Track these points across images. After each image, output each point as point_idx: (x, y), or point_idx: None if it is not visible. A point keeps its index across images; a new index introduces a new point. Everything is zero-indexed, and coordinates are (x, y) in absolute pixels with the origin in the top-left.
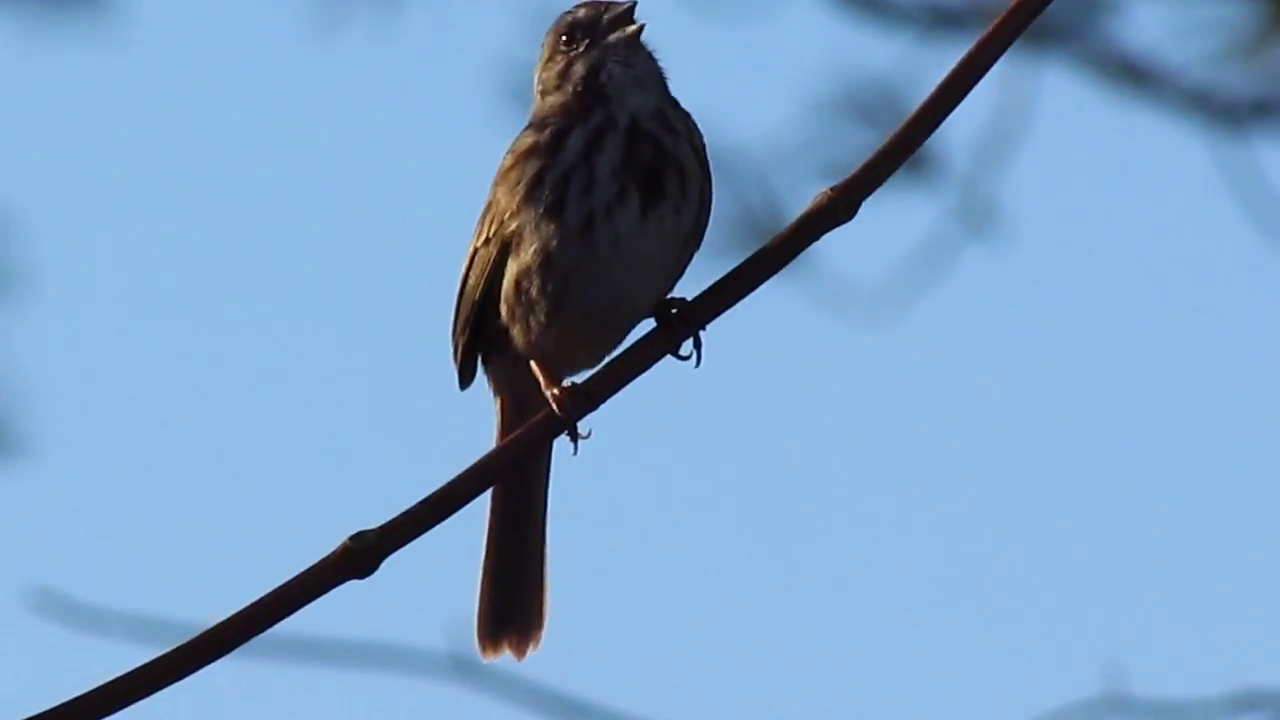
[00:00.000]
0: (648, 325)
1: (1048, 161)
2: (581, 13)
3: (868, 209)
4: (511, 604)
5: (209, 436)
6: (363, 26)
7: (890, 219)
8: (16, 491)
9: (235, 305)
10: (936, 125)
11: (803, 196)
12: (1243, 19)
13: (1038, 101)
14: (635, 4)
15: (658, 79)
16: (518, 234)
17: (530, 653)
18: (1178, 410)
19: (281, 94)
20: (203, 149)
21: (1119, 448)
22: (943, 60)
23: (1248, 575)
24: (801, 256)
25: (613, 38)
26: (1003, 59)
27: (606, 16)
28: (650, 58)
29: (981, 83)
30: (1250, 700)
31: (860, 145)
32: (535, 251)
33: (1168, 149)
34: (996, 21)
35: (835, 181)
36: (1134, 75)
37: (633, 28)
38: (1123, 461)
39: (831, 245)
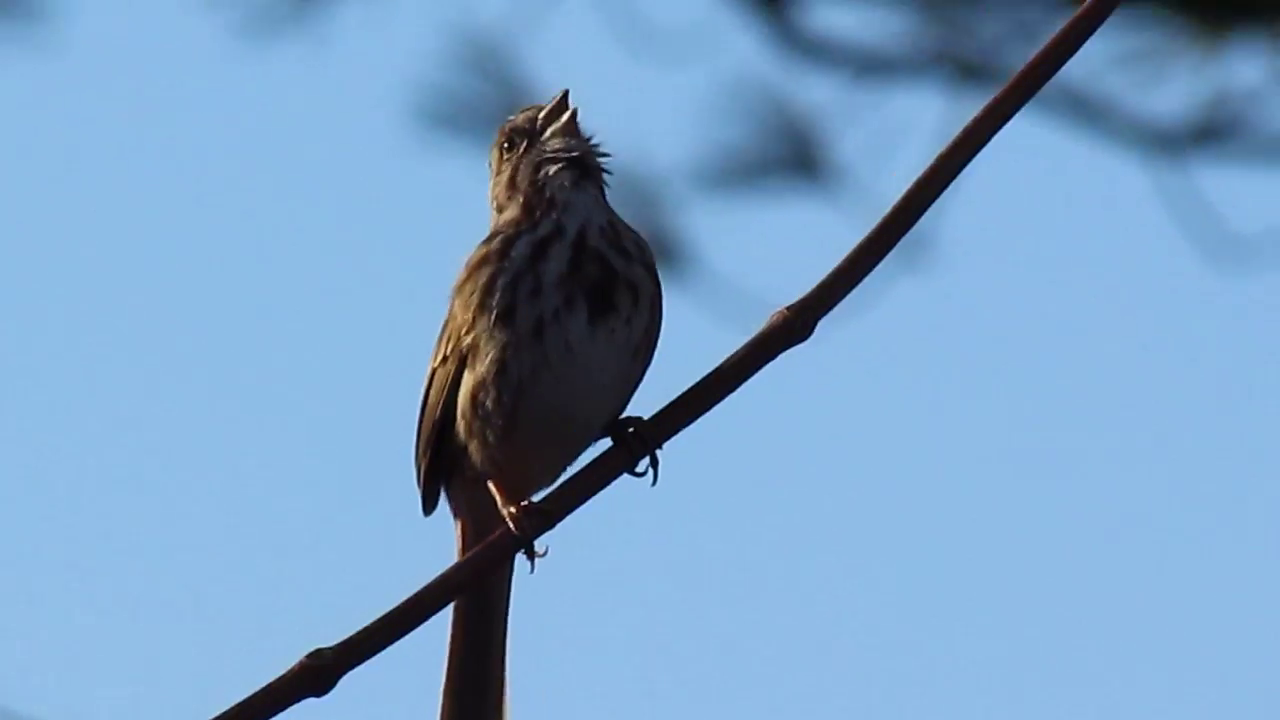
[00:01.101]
0: (605, 444)
1: (985, 189)
2: (519, 118)
3: (796, 239)
4: None
5: (167, 548)
6: (291, 44)
7: (822, 246)
8: None
9: (192, 399)
10: (895, 243)
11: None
12: (1180, 44)
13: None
14: (566, 93)
15: (595, 165)
16: (473, 346)
17: None
18: (1124, 440)
19: (204, 115)
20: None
21: (1058, 481)
22: (875, 103)
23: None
24: None
25: (548, 132)
26: (942, 96)
27: (540, 115)
28: (587, 142)
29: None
30: None
31: (759, 161)
32: (490, 361)
33: (1108, 176)
34: (945, 149)
35: (741, 226)
36: (1075, 103)
37: (565, 116)
38: (1062, 496)
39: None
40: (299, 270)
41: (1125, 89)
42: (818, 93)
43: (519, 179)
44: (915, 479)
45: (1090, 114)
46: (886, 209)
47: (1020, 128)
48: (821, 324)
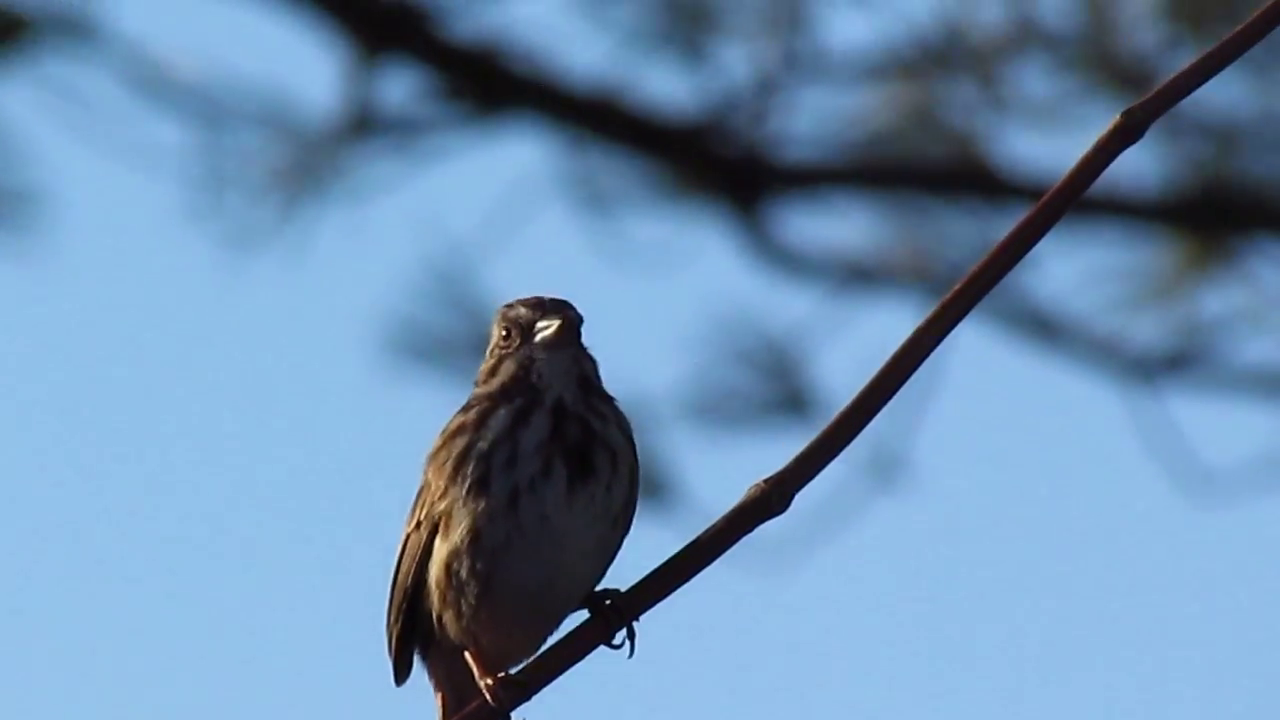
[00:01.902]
0: (581, 616)
1: (958, 412)
2: (522, 311)
3: (768, 455)
4: None
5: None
6: (271, 260)
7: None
8: None
9: (164, 584)
10: (868, 421)
11: (690, 450)
12: (1154, 267)
13: (948, 350)
14: (568, 307)
15: (581, 369)
16: (446, 514)
17: None
18: (1095, 665)
19: (186, 327)
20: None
21: (1032, 701)
22: (852, 318)
23: None
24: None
25: (539, 337)
26: (915, 309)
27: (539, 317)
28: (576, 353)
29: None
30: None
31: (750, 400)
32: (464, 530)
33: (1080, 400)
34: (929, 317)
35: (730, 459)
36: (1044, 326)
37: (556, 324)
38: (1042, 704)
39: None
40: (274, 477)
41: (1100, 313)
42: (795, 307)
43: (501, 370)
44: (884, 675)
45: (1064, 337)
46: (860, 388)
47: (995, 349)
48: (797, 500)
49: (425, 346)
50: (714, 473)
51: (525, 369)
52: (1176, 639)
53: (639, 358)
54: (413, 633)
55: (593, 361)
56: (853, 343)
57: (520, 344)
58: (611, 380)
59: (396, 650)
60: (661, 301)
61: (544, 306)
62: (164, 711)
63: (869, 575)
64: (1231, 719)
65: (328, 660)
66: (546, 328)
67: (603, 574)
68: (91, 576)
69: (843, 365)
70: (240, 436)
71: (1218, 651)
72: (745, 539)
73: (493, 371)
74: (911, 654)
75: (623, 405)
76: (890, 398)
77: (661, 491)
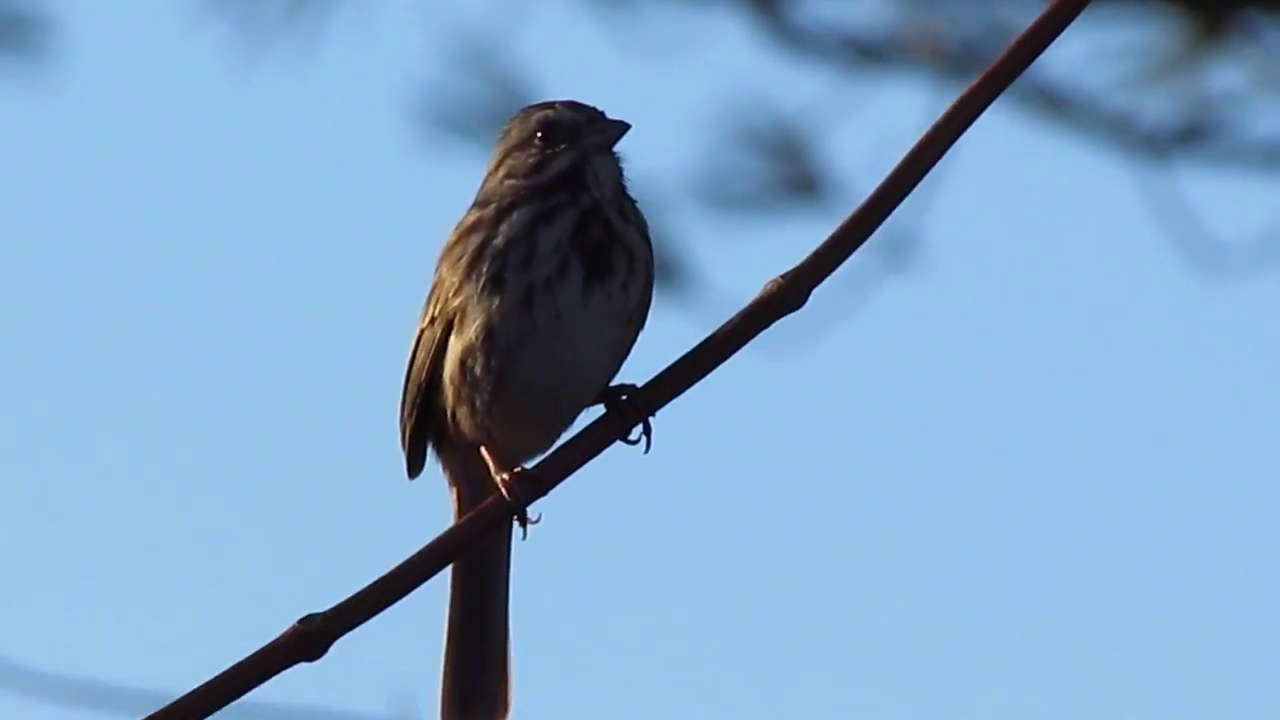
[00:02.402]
0: (598, 411)
1: (970, 191)
2: (565, 115)
3: (780, 242)
4: (475, 691)
5: (163, 508)
6: (283, 55)
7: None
8: None
9: (186, 371)
10: (887, 215)
11: (702, 233)
12: (1163, 43)
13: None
14: (625, 124)
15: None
16: (461, 310)
17: None
18: (1102, 447)
19: (202, 129)
20: (129, 194)
21: (1040, 484)
22: (864, 100)
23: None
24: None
25: (591, 140)
26: (926, 90)
27: (586, 120)
28: (618, 160)
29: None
30: None
31: (759, 182)
32: (478, 327)
33: (1091, 177)
34: (949, 110)
35: (740, 243)
36: (1055, 103)
37: (617, 130)
38: (1044, 501)
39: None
40: (298, 263)
41: (1110, 89)
42: (808, 89)
43: (551, 168)
44: (900, 462)
45: (1074, 114)
46: (879, 182)
47: (1005, 128)
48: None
49: (455, 116)
50: (729, 259)
51: (579, 168)
52: (1185, 416)
53: (653, 142)
54: (426, 427)
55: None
56: (866, 124)
57: (568, 145)
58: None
59: (410, 444)
60: (674, 85)
61: (586, 110)
62: (184, 503)
63: (884, 360)
64: (1242, 493)
65: (343, 452)
66: (602, 131)
67: (617, 370)
68: (119, 371)
69: (856, 147)
70: (272, 224)
71: (1224, 426)
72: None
73: (537, 168)
74: (926, 439)
75: (641, 200)
76: (907, 193)
77: (676, 278)
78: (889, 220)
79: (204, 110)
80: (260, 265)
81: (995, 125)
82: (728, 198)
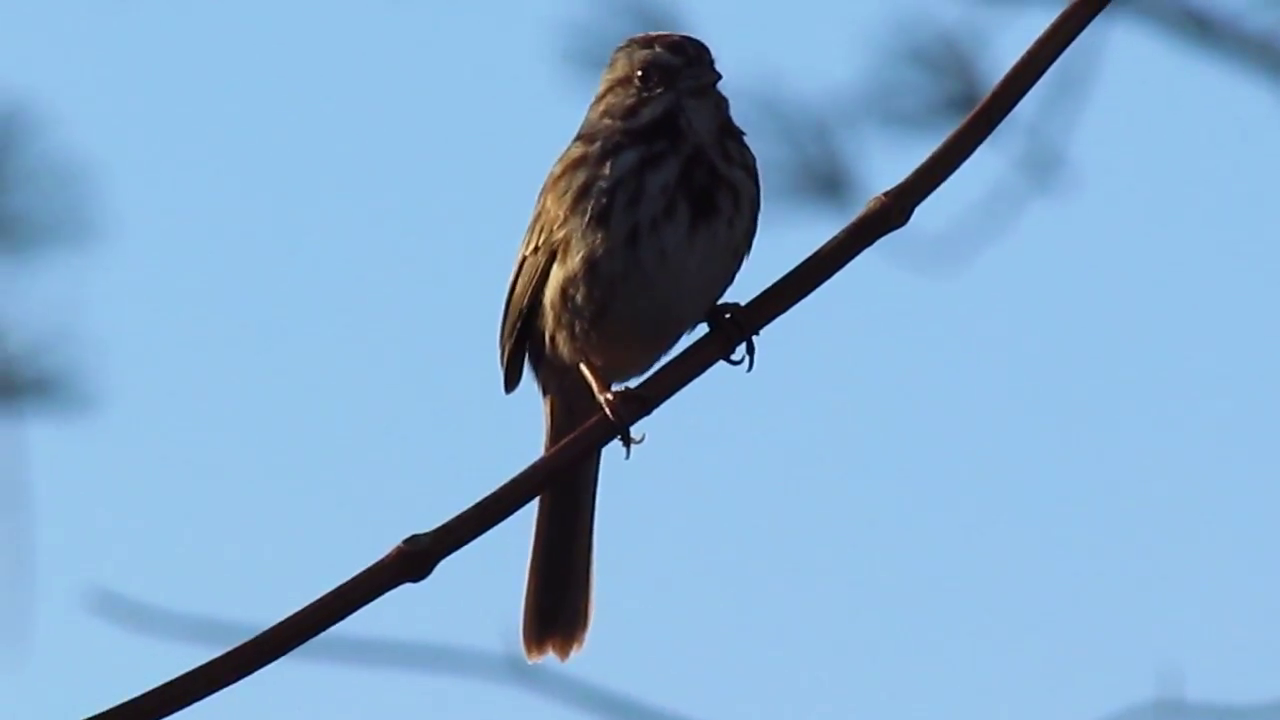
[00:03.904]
0: (701, 330)
1: (1113, 113)
2: (664, 57)
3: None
4: (557, 606)
5: (265, 438)
6: None
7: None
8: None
9: (293, 295)
10: (991, 129)
11: (867, 150)
12: None
13: (1103, 51)
14: (707, 51)
15: (721, 117)
16: (565, 242)
17: (574, 654)
18: (1245, 383)
19: (346, 63)
20: (269, 119)
21: (1182, 420)
22: (1008, 20)
23: None
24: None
25: (686, 84)
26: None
27: (684, 64)
28: (718, 100)
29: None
30: None
31: (922, 98)
32: (581, 260)
33: (1236, 101)
34: (1050, 27)
35: (903, 160)
36: (1200, 25)
37: (710, 79)
38: (1186, 438)
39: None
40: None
41: (1254, 10)
42: (950, 12)
43: (644, 113)
44: (1023, 385)
45: (1221, 37)
46: (984, 95)
47: (1150, 50)
48: (919, 212)
49: (603, 55)
50: (894, 176)
51: (673, 115)
52: None
53: (814, 60)
54: (524, 347)
55: (727, 103)
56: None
57: (664, 89)
58: (784, 81)
59: (509, 362)
60: (832, 4)
61: (686, 52)
62: (293, 422)
63: (1025, 279)
64: None
65: (441, 370)
66: (695, 78)
67: (722, 293)
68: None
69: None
70: (407, 157)
71: None
72: (897, 234)
73: (633, 111)
74: (1055, 359)
75: (765, 116)
76: (1014, 104)
77: (840, 192)
78: (1034, 140)
79: (352, 46)
80: (388, 193)
81: (1140, 46)
82: (892, 113)
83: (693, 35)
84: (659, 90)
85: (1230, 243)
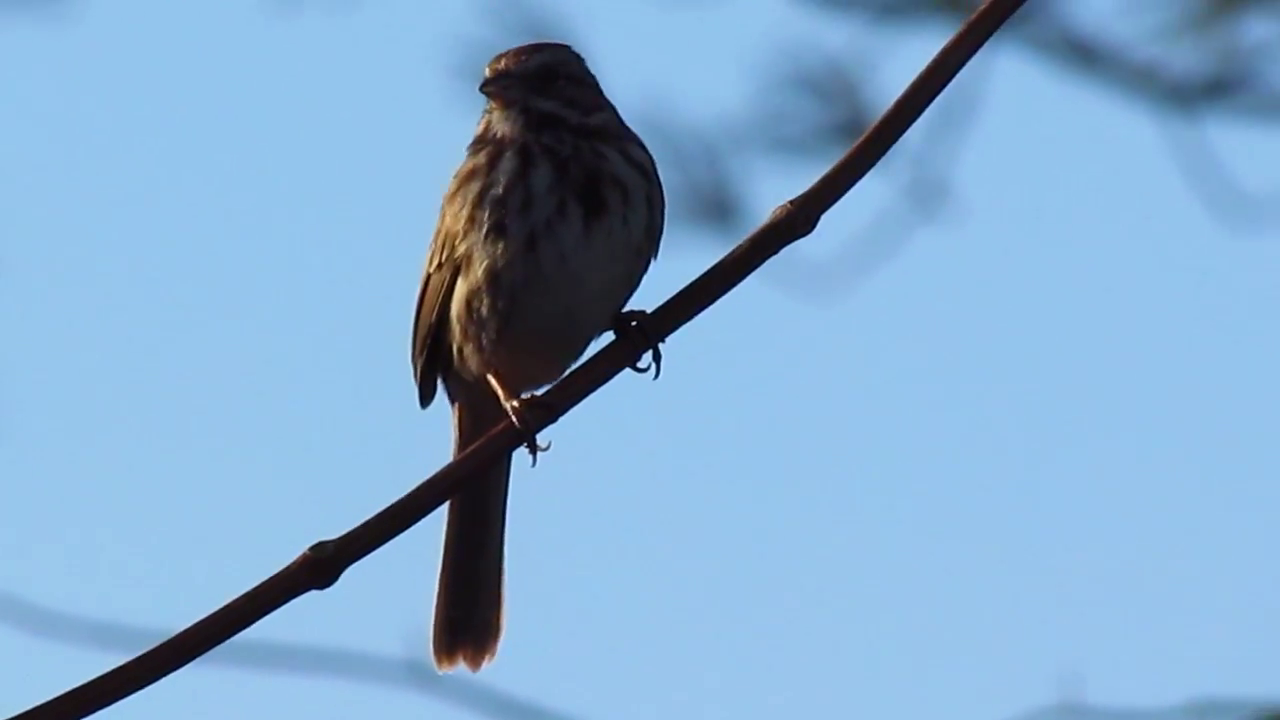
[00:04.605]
0: (608, 337)
1: (999, 141)
2: (486, 72)
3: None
4: (467, 616)
5: (171, 442)
6: (320, 5)
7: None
8: None
9: (202, 306)
10: (897, 138)
11: (754, 175)
12: None
13: (988, 80)
14: (519, 55)
15: (536, 114)
16: (466, 256)
17: (485, 665)
18: (1127, 399)
19: (239, 76)
20: (166, 136)
21: (1068, 434)
22: (894, 46)
23: (1206, 581)
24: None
25: (487, 91)
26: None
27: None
28: (528, 102)
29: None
30: (1206, 709)
31: (810, 124)
32: (483, 271)
33: (1119, 129)
34: (954, 37)
35: (791, 184)
36: (1084, 54)
37: (488, 90)
38: (1073, 452)
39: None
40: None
41: (1139, 40)
42: (837, 39)
43: (479, 125)
44: (908, 404)
45: (1104, 65)
46: (869, 122)
47: (1035, 78)
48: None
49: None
50: (779, 200)
51: (486, 126)
52: (1212, 365)
53: (704, 87)
54: (436, 361)
55: (565, 101)
56: (908, 69)
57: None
58: (674, 108)
59: (421, 377)
60: (715, 32)
61: (495, 65)
62: (204, 429)
63: (909, 303)
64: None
65: (354, 384)
66: (486, 94)
67: (628, 299)
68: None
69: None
70: (301, 172)
71: (1252, 372)
72: (786, 260)
73: (482, 128)
74: (941, 379)
75: (656, 140)
76: (915, 118)
77: (728, 216)
78: (918, 166)
79: (245, 56)
80: (289, 209)
81: (1025, 75)
82: (780, 139)
83: (537, 43)
84: (489, 105)
85: (1113, 268)
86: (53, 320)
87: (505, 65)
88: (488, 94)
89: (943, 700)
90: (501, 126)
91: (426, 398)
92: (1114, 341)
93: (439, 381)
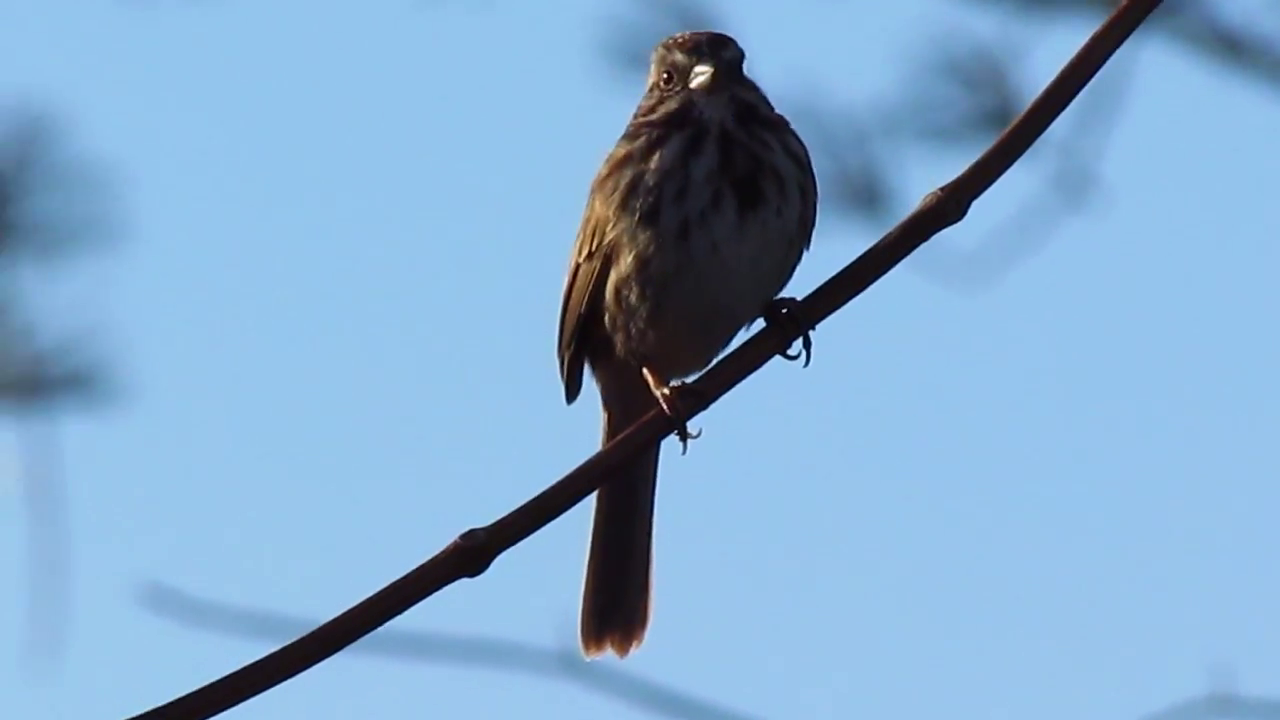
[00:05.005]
0: (759, 325)
1: (1146, 133)
2: (679, 56)
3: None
4: (615, 602)
5: (323, 431)
6: None
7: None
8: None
9: (354, 296)
10: (1048, 125)
11: (902, 162)
12: None
13: (1135, 71)
14: (724, 47)
15: (741, 103)
16: (616, 243)
17: (633, 651)
18: (1275, 387)
19: (383, 66)
20: (309, 123)
21: (1215, 424)
22: (1042, 35)
23: None
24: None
25: (694, 83)
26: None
27: (695, 62)
28: (734, 93)
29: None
30: None
31: (958, 112)
32: (633, 259)
33: (1266, 122)
34: (1110, 18)
35: (939, 172)
36: (1232, 46)
37: (710, 72)
38: (1220, 442)
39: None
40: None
41: None
42: (985, 27)
43: (662, 109)
44: (1054, 398)
45: (1253, 58)
46: (1035, 96)
47: (1183, 71)
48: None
49: (642, 50)
50: (927, 188)
51: (686, 108)
52: None
53: (853, 74)
54: (583, 352)
55: (756, 91)
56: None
57: (681, 88)
58: (823, 95)
59: (569, 372)
60: (865, 18)
61: (700, 51)
62: (355, 419)
63: (1056, 293)
64: None
65: (505, 376)
66: (701, 75)
67: (780, 289)
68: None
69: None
70: (450, 158)
71: None
72: (933, 250)
73: (653, 110)
74: (1085, 369)
75: (805, 126)
76: (1066, 105)
77: (876, 204)
78: (1066, 157)
79: (385, 46)
80: (438, 199)
81: (1173, 66)
82: (927, 127)
83: (720, 32)
84: (678, 89)
85: (1262, 262)
86: (207, 306)
87: (712, 50)
88: (708, 76)
89: (1094, 693)
90: (711, 110)
91: (573, 392)
92: (1258, 331)
93: (586, 374)
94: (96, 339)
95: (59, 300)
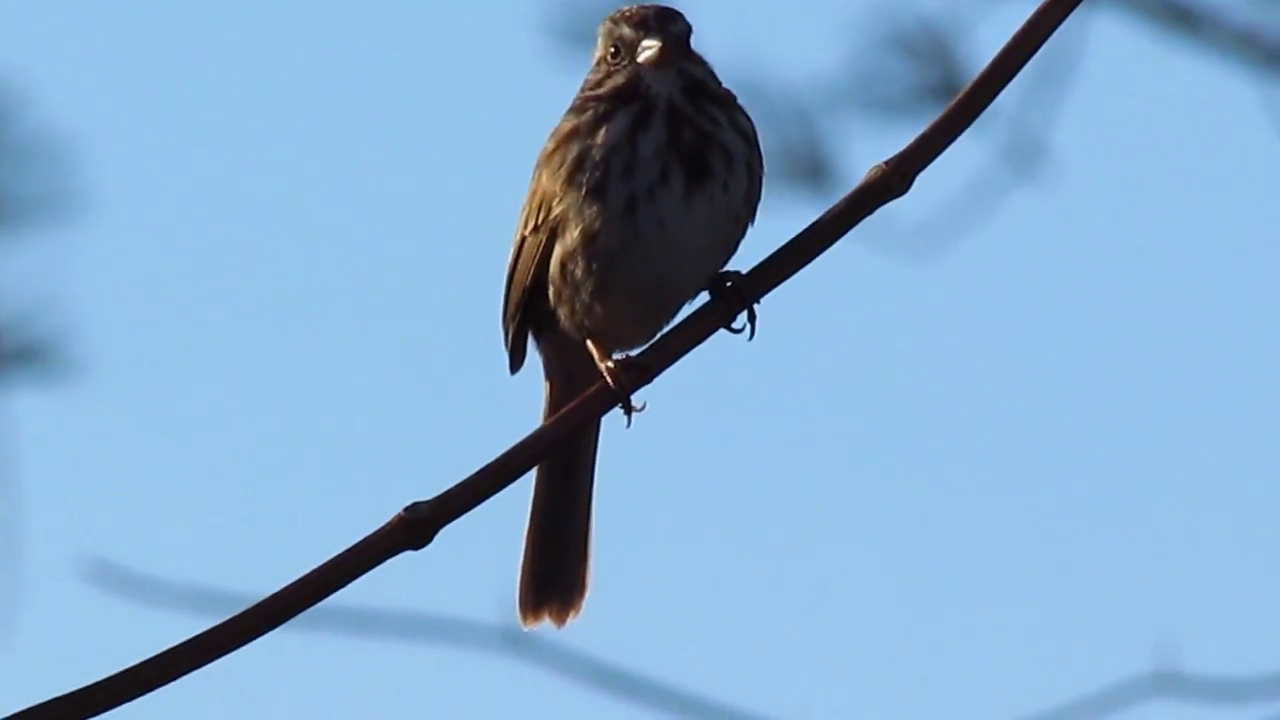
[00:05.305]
0: (703, 298)
1: (1096, 104)
2: (626, 30)
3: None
4: (554, 573)
5: (264, 403)
6: None
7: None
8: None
9: (297, 267)
10: (994, 97)
11: (848, 136)
12: None
13: (1085, 41)
14: (672, 21)
15: (689, 78)
16: (562, 218)
17: (570, 621)
18: (1223, 363)
19: (332, 40)
20: (262, 97)
21: (1163, 400)
22: (990, 6)
23: None
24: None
25: (642, 58)
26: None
27: (643, 37)
28: (682, 67)
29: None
30: None
31: (904, 85)
32: (579, 234)
33: (1217, 92)
34: (1034, 14)
35: (886, 145)
36: (1183, 16)
37: (657, 47)
38: (1166, 417)
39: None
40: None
41: (1240, 3)
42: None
43: (609, 84)
44: (1004, 370)
45: (1203, 28)
46: (964, 83)
47: (1132, 40)
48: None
49: (586, 28)
50: (873, 159)
51: (633, 83)
52: None
53: (797, 47)
54: (527, 324)
55: (704, 66)
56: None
57: (628, 62)
58: (767, 68)
59: (514, 343)
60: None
61: (648, 25)
62: (297, 391)
63: (1004, 265)
64: None
65: (446, 347)
66: (649, 49)
67: (725, 263)
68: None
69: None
70: (389, 132)
71: None
72: (880, 223)
73: (600, 85)
74: (1036, 341)
75: (750, 99)
76: (1012, 77)
77: (822, 177)
78: (1015, 128)
79: (339, 16)
80: (379, 171)
81: (1123, 36)
82: (873, 101)
83: (668, 6)
84: (625, 63)
85: (1211, 233)
86: (159, 281)
87: (660, 24)
88: (656, 50)
89: (1038, 670)
90: (659, 85)
91: (517, 363)
92: (1206, 305)
93: (529, 345)
94: (52, 312)
95: (14, 273)
